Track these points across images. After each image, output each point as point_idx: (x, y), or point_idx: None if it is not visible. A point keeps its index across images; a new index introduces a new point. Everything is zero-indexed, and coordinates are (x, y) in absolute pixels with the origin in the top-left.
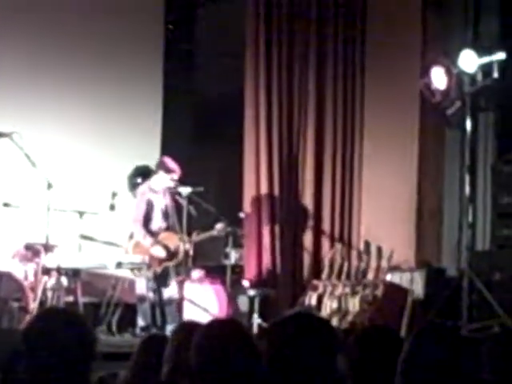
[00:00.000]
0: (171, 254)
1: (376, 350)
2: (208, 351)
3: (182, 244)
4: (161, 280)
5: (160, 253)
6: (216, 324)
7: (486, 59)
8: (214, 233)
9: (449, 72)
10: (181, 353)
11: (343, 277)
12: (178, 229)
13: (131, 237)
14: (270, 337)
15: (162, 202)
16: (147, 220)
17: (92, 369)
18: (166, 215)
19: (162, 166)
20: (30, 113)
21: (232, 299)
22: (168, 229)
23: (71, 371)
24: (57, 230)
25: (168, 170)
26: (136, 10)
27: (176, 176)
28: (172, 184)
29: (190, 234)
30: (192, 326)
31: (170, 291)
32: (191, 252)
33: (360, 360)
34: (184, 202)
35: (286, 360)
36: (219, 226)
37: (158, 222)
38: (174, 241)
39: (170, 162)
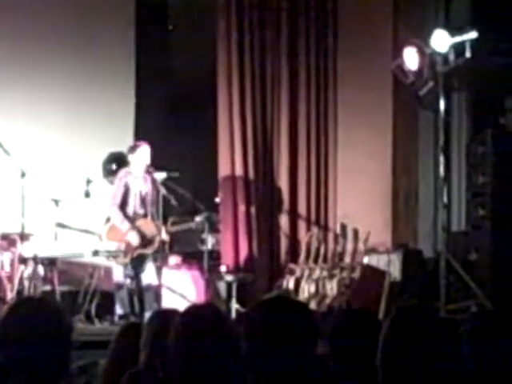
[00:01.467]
0: (147, 242)
1: (355, 332)
2: (187, 337)
3: (158, 233)
4: (138, 267)
5: (135, 240)
6: (194, 309)
7: (458, 39)
8: (192, 225)
9: (421, 52)
10: (157, 340)
11: (320, 260)
12: (155, 216)
13: (107, 221)
14: (248, 321)
15: (141, 187)
16: (123, 204)
17: (71, 358)
18: (143, 201)
19: (135, 147)
20: (3, 100)
21: (209, 285)
22: (146, 215)
23: (50, 361)
24: (32, 218)
25: (141, 149)
26: (107, 14)
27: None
28: (149, 160)
29: (166, 220)
30: (168, 313)
31: (148, 278)
32: (168, 239)
33: (339, 343)
34: (163, 190)
35: (265, 344)
36: (198, 219)
37: (134, 207)
38: (150, 228)
39: (142, 143)
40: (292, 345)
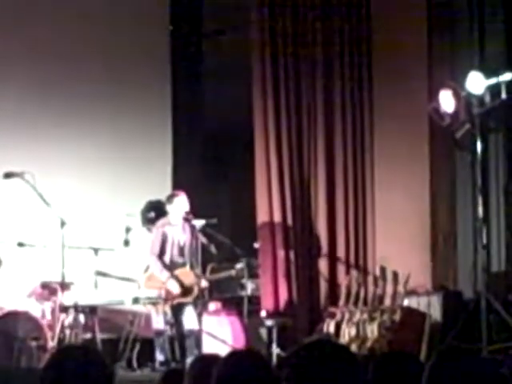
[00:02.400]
0: (186, 291)
1: (397, 375)
2: (228, 382)
3: (197, 282)
4: (178, 313)
5: (175, 288)
6: (235, 355)
7: (493, 80)
8: (232, 273)
9: (456, 94)
10: None
11: (360, 303)
12: (194, 265)
13: (146, 270)
14: (290, 366)
15: (179, 236)
16: (161, 253)
17: None
18: (182, 250)
19: (173, 196)
20: (40, 152)
21: (248, 330)
22: (184, 264)
23: None
24: (72, 267)
25: (179, 198)
26: (141, 59)
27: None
28: (187, 208)
29: (205, 267)
30: (209, 359)
31: (189, 323)
32: (207, 287)
33: None
34: (202, 238)
35: None
36: (239, 266)
37: (171, 256)
38: (189, 278)
39: (180, 193)
40: None
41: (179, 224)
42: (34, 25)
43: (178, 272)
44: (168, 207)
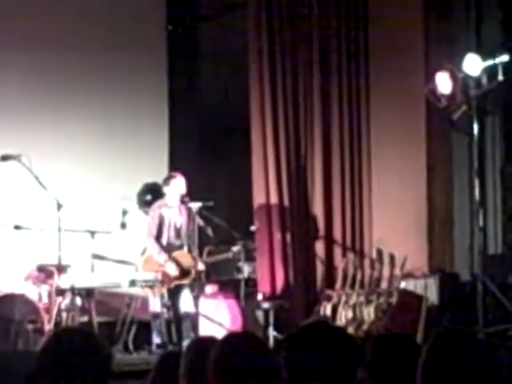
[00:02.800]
0: (184, 273)
1: (394, 357)
2: (226, 365)
3: (195, 264)
4: (175, 296)
5: (173, 271)
6: (232, 337)
7: (490, 62)
8: (229, 255)
9: (453, 76)
10: (196, 368)
11: (357, 286)
12: (192, 247)
13: (143, 253)
14: (287, 348)
15: (176, 218)
16: (158, 235)
17: None
18: (179, 232)
19: (169, 178)
20: (38, 135)
21: (245, 313)
22: (181, 246)
23: None
24: (69, 250)
25: (176, 180)
26: (137, 44)
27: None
28: (184, 190)
29: (202, 250)
30: (206, 342)
31: (186, 306)
32: (204, 269)
33: (378, 367)
34: (199, 220)
35: (306, 371)
36: (235, 248)
37: (168, 238)
38: (187, 260)
39: (177, 174)
40: (333, 370)
41: (176, 206)
42: (34, 14)
43: (175, 254)
44: (165, 189)
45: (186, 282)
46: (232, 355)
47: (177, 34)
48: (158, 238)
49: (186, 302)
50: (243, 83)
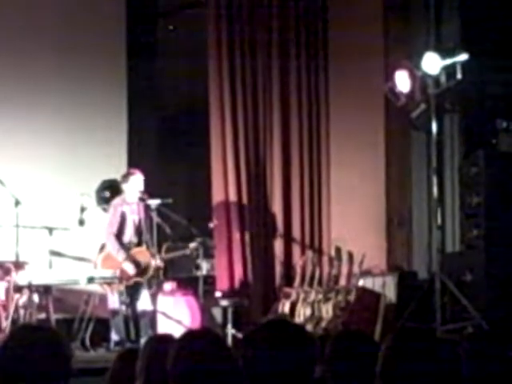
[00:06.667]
0: (142, 270)
1: (353, 354)
2: (185, 362)
3: (153, 261)
4: (133, 293)
5: (130, 269)
6: (192, 334)
7: (448, 61)
8: (186, 252)
9: (412, 75)
10: (153, 366)
11: (315, 283)
12: (150, 244)
13: (102, 249)
14: (246, 346)
15: (134, 216)
16: (119, 233)
17: None
18: (137, 229)
19: (128, 175)
20: None
21: (204, 311)
22: (140, 243)
23: None
24: (26, 246)
25: (134, 177)
26: (96, 42)
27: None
28: (142, 188)
29: (160, 246)
30: (163, 339)
31: (143, 304)
32: (162, 266)
33: (337, 365)
34: (156, 217)
35: (264, 369)
36: (193, 245)
37: (129, 236)
38: (145, 257)
39: (135, 171)
40: (292, 368)
41: (134, 203)
42: None
43: (134, 251)
44: (124, 186)
45: (144, 279)
46: (191, 352)
47: (136, 31)
48: (119, 235)
49: (143, 300)
50: (203, 80)
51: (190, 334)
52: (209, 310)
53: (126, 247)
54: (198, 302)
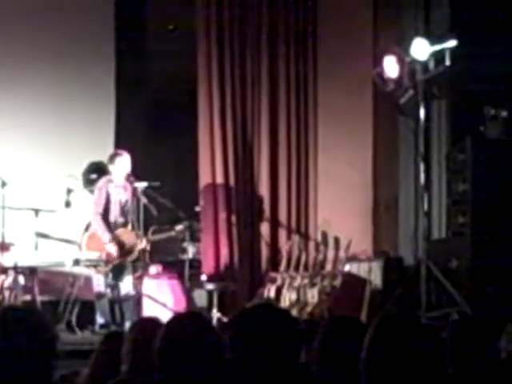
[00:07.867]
0: (126, 251)
1: (342, 339)
2: (173, 345)
3: (138, 242)
4: (118, 276)
5: (113, 250)
6: (179, 318)
7: (437, 47)
8: (172, 234)
9: (401, 60)
10: (139, 349)
11: (301, 268)
12: (136, 225)
13: (87, 228)
14: (232, 330)
15: (121, 196)
16: (105, 212)
17: (53, 367)
18: (123, 210)
19: (115, 156)
20: None
21: (189, 294)
22: (126, 224)
23: (32, 370)
24: (12, 228)
25: (121, 158)
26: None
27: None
28: (129, 169)
29: (147, 229)
30: (149, 322)
31: (128, 287)
32: (148, 248)
33: (324, 350)
34: (143, 198)
35: (250, 353)
36: (179, 227)
37: (114, 215)
38: (130, 237)
39: (123, 152)
40: (276, 353)
41: (121, 184)
42: None
43: (119, 231)
44: (110, 167)
45: (128, 260)
46: (179, 335)
47: (124, 13)
48: (105, 215)
49: (126, 284)
50: (191, 62)
51: (177, 318)
52: (195, 294)
53: (111, 227)
54: (183, 286)
